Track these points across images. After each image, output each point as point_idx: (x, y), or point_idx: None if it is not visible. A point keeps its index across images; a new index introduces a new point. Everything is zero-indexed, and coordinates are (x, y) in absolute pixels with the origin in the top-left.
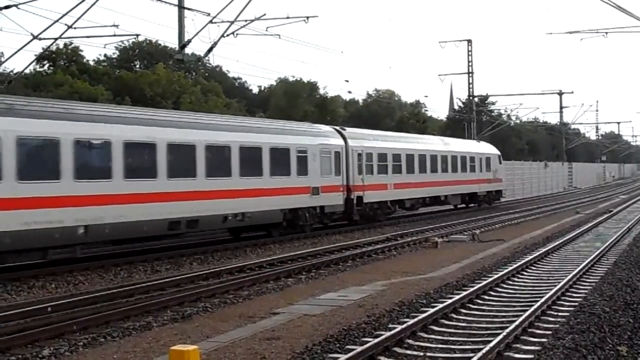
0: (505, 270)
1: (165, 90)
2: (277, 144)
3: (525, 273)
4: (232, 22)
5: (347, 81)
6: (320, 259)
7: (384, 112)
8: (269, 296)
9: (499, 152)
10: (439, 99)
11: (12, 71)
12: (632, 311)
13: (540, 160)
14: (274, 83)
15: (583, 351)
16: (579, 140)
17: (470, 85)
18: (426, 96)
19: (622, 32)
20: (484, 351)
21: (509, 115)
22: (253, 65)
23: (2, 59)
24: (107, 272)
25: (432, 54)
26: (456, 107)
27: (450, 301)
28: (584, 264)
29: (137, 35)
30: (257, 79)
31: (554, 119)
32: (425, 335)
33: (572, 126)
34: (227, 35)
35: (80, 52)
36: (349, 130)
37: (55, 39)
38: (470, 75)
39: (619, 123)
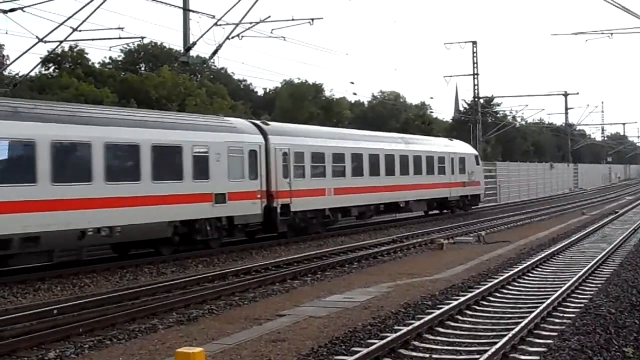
0: (511, 272)
1: (171, 93)
2: (163, 141)
3: (531, 274)
4: (237, 25)
5: (352, 83)
6: (325, 260)
7: (389, 113)
8: (275, 298)
9: (475, 152)
10: (445, 100)
11: (17, 74)
12: (638, 312)
13: (545, 161)
14: (279, 85)
15: (589, 352)
16: (585, 141)
17: (476, 87)
18: (431, 98)
19: (628, 33)
20: (489, 353)
21: (514, 117)
22: (258, 67)
23: (8, 62)
24: (113, 275)
25: (438, 56)
26: (461, 109)
27: (455, 303)
28: (589, 265)
29: (143, 37)
30: (263, 81)
31: (559, 120)
32: (431, 337)
33: (578, 127)
34: (232, 38)
35: (85, 55)
36: (273, 125)
37: (61, 42)
38: (476, 76)
39: (624, 124)
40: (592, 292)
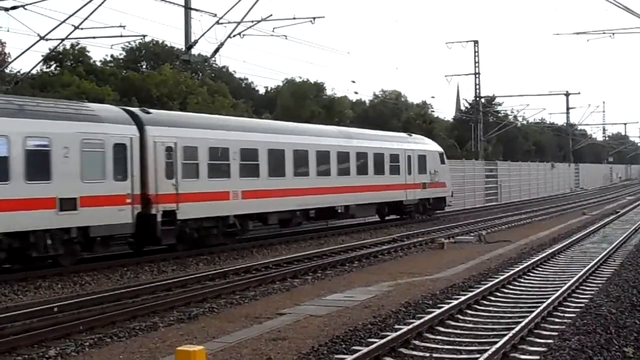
0: (512, 272)
1: (172, 91)
2: None
3: (531, 274)
4: (238, 23)
5: (353, 82)
6: (326, 259)
7: (390, 113)
8: (275, 297)
9: (440, 150)
10: (446, 99)
11: (19, 72)
12: (638, 312)
13: (546, 161)
14: (281, 84)
15: (589, 352)
16: (586, 141)
17: (477, 86)
18: (433, 97)
19: (629, 33)
20: (490, 352)
21: (515, 116)
22: (260, 65)
23: (9, 60)
24: (113, 273)
25: (439, 55)
26: (463, 108)
27: (456, 302)
28: (590, 265)
29: (144, 36)
30: (264, 80)
31: (560, 120)
32: (432, 336)
33: (579, 127)
34: (234, 36)
35: (87, 53)
36: (156, 114)
37: (62, 40)
38: (477, 76)
39: (625, 124)
40: (592, 292)
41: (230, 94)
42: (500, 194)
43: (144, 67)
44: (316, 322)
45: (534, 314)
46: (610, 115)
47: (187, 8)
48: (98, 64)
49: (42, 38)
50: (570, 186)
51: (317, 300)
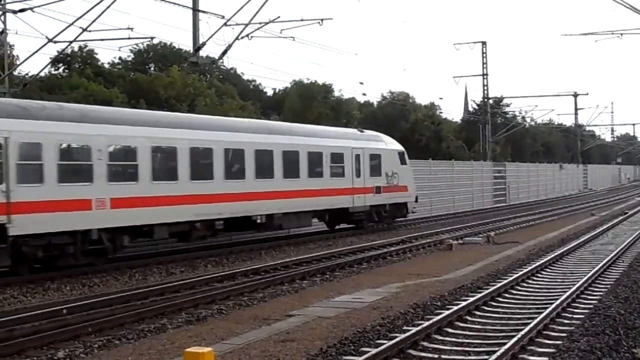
0: (520, 273)
1: (180, 93)
2: None
3: (540, 275)
4: (246, 25)
5: (361, 83)
6: (334, 261)
7: (398, 114)
8: (284, 298)
9: (400, 148)
10: (454, 101)
11: (27, 74)
12: None
13: (555, 162)
14: (289, 85)
15: (598, 354)
16: (594, 142)
17: (485, 87)
18: (441, 98)
19: (638, 33)
20: (498, 353)
21: (523, 117)
22: (268, 67)
23: (18, 62)
24: (122, 275)
25: (447, 56)
26: (471, 109)
27: (464, 303)
28: (599, 266)
29: (152, 38)
30: (272, 82)
31: (569, 121)
32: (440, 338)
33: (587, 128)
34: (242, 38)
35: (95, 55)
36: None
37: (70, 42)
38: (485, 77)
39: (634, 125)
40: (601, 293)
41: (239, 96)
42: (508, 195)
43: (152, 69)
44: (325, 323)
45: (542, 315)
46: (618, 116)
47: (195, 10)
48: (106, 66)
49: (50, 40)
50: (578, 187)
51: (326, 302)
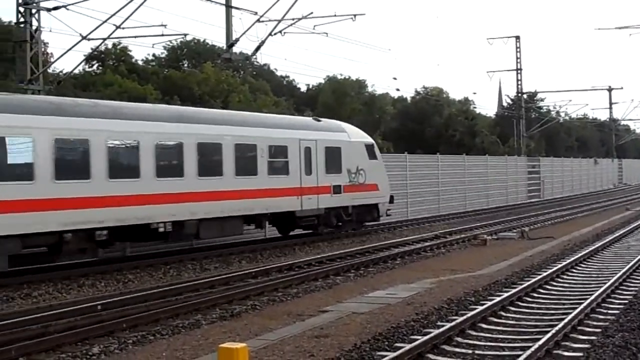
0: (555, 268)
1: (214, 90)
2: None
3: (574, 270)
4: (279, 21)
5: (395, 79)
6: (368, 256)
7: (432, 109)
8: (318, 294)
9: (368, 140)
10: (488, 96)
11: (61, 71)
12: None
13: (589, 156)
14: (322, 81)
15: (633, 349)
16: (629, 136)
17: (519, 82)
18: (475, 93)
19: None
20: (532, 349)
21: (558, 112)
22: (301, 63)
23: (52, 60)
24: (156, 271)
25: (480, 51)
26: (505, 104)
27: (499, 299)
28: (634, 261)
29: (185, 34)
30: (305, 77)
31: (603, 115)
32: (474, 333)
33: (622, 122)
34: (275, 34)
35: (128, 52)
36: None
37: (104, 39)
38: (519, 71)
39: None
40: (636, 289)
41: (272, 92)
42: (543, 190)
43: (186, 65)
44: (358, 319)
45: (577, 311)
46: None
47: (228, 6)
48: (140, 63)
49: (84, 38)
50: (613, 182)
51: (360, 298)
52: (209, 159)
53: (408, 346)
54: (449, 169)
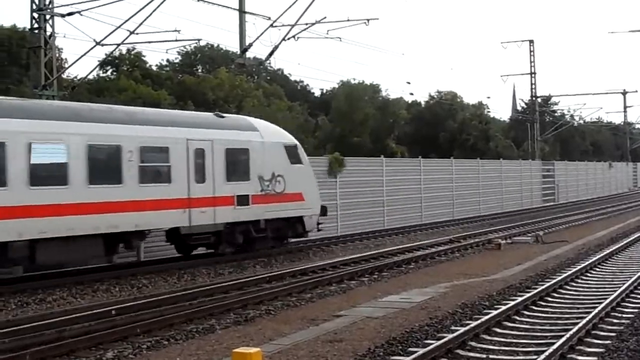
0: (569, 272)
1: (228, 94)
2: None
3: (589, 274)
4: (292, 26)
5: (408, 83)
6: (383, 261)
7: (446, 113)
8: (332, 299)
9: (289, 141)
10: (502, 100)
11: (75, 77)
12: None
13: (604, 160)
14: (336, 86)
15: None
16: None
17: (533, 86)
18: (489, 97)
19: None
20: (547, 353)
21: (572, 116)
22: (315, 68)
23: (66, 65)
24: (170, 276)
25: (494, 55)
26: (519, 108)
27: (513, 303)
28: None
29: (199, 40)
30: (319, 82)
31: (618, 119)
32: (488, 338)
33: (637, 125)
34: (288, 39)
35: (142, 57)
36: None
37: (118, 45)
38: (533, 75)
39: None
40: None
41: (286, 97)
42: (557, 194)
43: (200, 70)
44: (372, 323)
45: (591, 315)
46: None
47: (242, 12)
48: (154, 68)
49: (98, 43)
50: (628, 186)
51: (374, 302)
52: (48, 164)
53: (422, 351)
54: (463, 174)
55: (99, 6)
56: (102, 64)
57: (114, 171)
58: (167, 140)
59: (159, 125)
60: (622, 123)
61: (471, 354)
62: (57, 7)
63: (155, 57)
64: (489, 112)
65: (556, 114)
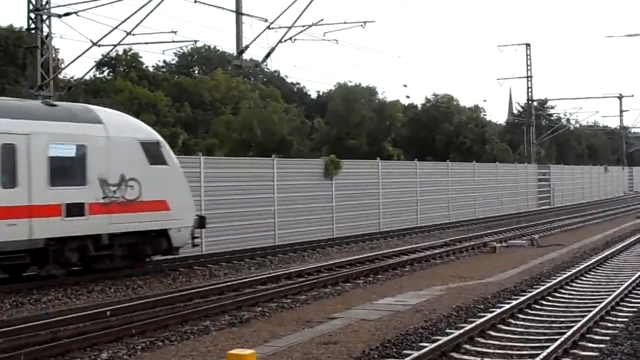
0: (564, 276)
1: (225, 96)
2: None
3: (584, 278)
4: (289, 28)
5: (405, 86)
6: (378, 263)
7: (442, 116)
8: (327, 301)
9: (150, 137)
10: (498, 103)
11: (72, 77)
12: None
13: (600, 164)
14: (332, 88)
15: None
16: None
17: (529, 89)
18: (485, 100)
19: None
20: (541, 357)
21: (568, 119)
22: (311, 70)
23: (63, 66)
24: (165, 277)
25: (491, 58)
26: (515, 112)
27: (508, 306)
28: None
29: (196, 41)
30: (316, 84)
31: (614, 123)
32: (483, 341)
33: (633, 130)
34: (285, 41)
35: (139, 59)
36: None
37: (115, 46)
38: (529, 79)
39: None
40: None
41: (283, 99)
42: (553, 198)
43: (196, 72)
44: (367, 326)
45: (586, 319)
46: None
47: (238, 13)
48: (150, 69)
49: (94, 44)
50: (624, 189)
51: (369, 304)
52: None
53: (416, 353)
54: (459, 177)
55: (96, 7)
56: (99, 65)
57: None
58: None
59: None
60: (618, 127)
61: (465, 357)
62: (54, 7)
63: (151, 58)
64: (485, 115)
65: (552, 118)
